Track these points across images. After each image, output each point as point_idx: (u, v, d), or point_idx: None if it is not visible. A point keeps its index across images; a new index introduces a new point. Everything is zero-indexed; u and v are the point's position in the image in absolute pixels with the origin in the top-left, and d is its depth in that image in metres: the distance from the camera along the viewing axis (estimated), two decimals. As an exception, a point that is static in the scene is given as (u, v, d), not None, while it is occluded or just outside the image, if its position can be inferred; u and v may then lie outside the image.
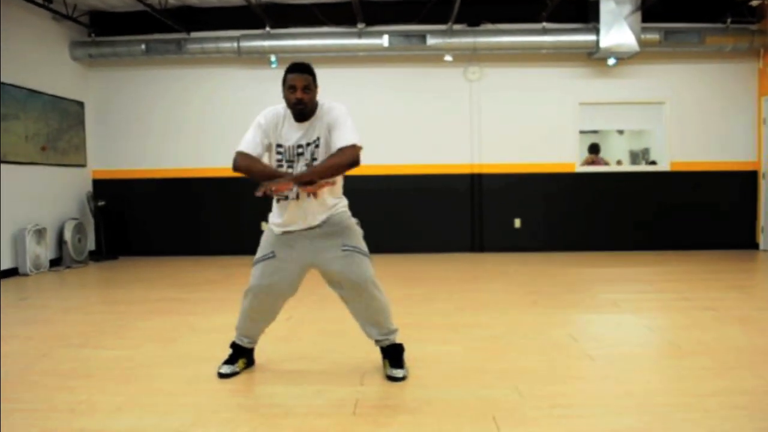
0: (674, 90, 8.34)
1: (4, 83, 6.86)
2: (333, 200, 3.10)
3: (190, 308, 5.11)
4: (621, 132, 11.54)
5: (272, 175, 2.89)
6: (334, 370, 3.33)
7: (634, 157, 11.30)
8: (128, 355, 3.67)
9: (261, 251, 3.16)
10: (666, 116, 8.40)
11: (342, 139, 2.89)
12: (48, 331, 4.35)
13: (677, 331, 4.12)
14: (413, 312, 4.76)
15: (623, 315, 4.62)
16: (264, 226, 3.37)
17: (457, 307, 4.97)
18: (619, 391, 2.91)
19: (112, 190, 8.60)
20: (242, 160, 2.95)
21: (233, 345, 3.33)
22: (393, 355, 3.20)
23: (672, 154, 8.40)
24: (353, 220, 3.19)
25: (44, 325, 4.59)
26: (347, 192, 3.28)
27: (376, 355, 3.32)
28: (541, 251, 8.39)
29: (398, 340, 3.24)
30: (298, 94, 2.90)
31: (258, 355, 3.47)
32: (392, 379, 3.10)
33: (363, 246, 3.13)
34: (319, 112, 3.01)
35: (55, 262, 7.67)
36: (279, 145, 3.03)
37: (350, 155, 2.86)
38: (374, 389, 3.00)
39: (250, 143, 2.98)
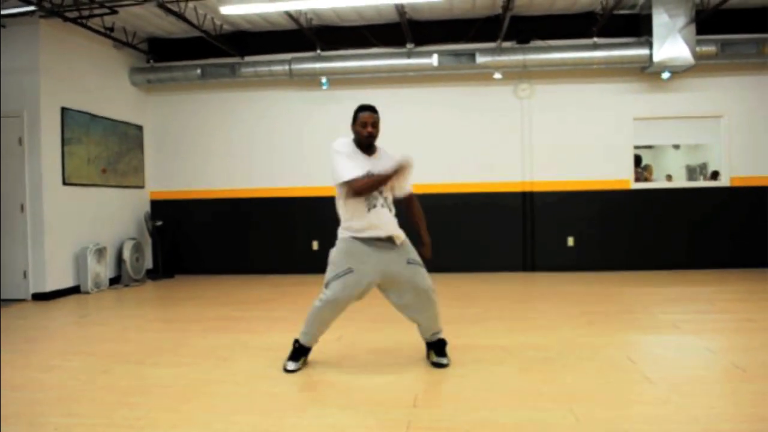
0: (732, 103, 8.07)
1: (68, 109, 7.17)
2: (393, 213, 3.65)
3: (244, 326, 5.19)
4: (677, 147, 11.23)
5: (383, 178, 3.43)
6: (387, 390, 3.31)
7: (692, 173, 10.97)
8: (185, 373, 3.75)
9: (337, 267, 3.56)
10: (724, 130, 8.14)
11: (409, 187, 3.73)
12: (108, 348, 4.48)
13: (742, 353, 3.94)
14: (466, 333, 4.71)
15: (684, 336, 4.47)
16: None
17: (510, 328, 4.89)
18: (682, 417, 2.80)
19: (169, 211, 8.85)
20: (362, 183, 3.40)
21: (300, 346, 3.72)
22: (439, 346, 3.74)
23: (732, 169, 8.12)
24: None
25: (104, 342, 4.73)
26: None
27: (429, 376, 3.31)
28: (595, 270, 8.19)
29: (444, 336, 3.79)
30: (369, 129, 3.50)
31: (310, 376, 3.52)
32: (438, 365, 3.65)
33: (420, 259, 3.69)
34: (378, 150, 3.63)
35: (114, 281, 7.91)
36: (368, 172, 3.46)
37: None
38: (427, 411, 2.97)
39: (353, 169, 3.41)
